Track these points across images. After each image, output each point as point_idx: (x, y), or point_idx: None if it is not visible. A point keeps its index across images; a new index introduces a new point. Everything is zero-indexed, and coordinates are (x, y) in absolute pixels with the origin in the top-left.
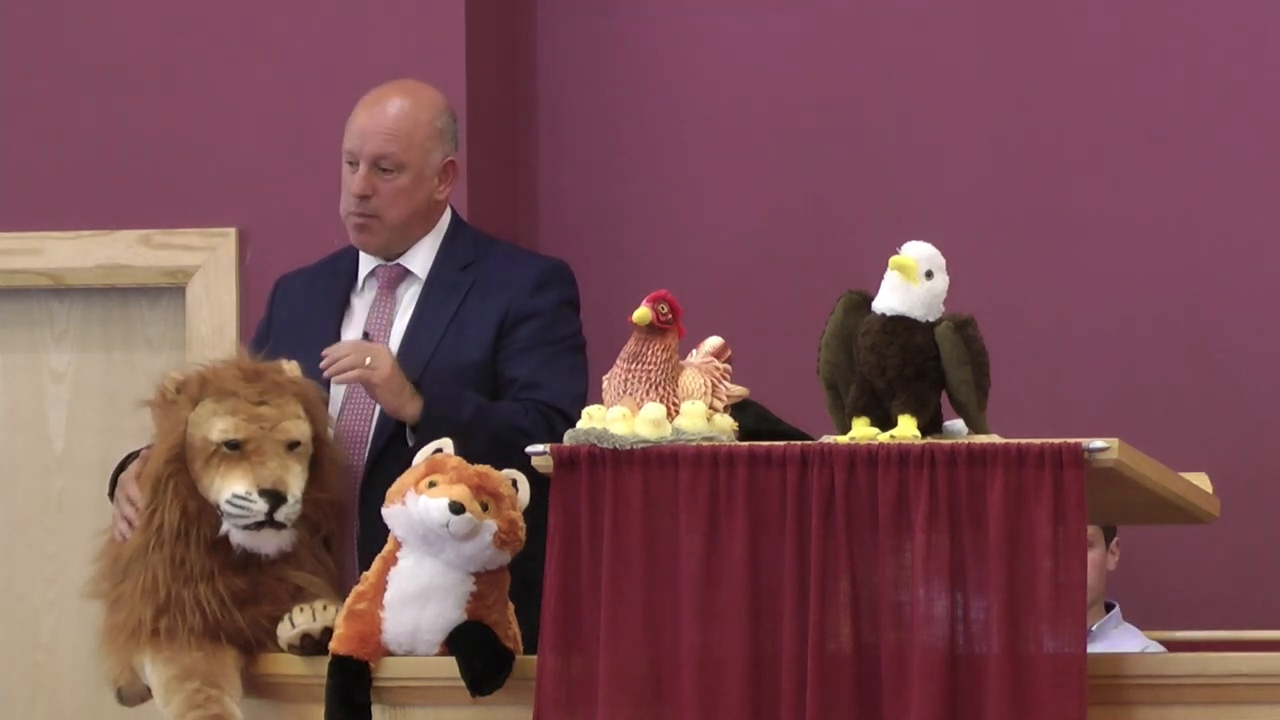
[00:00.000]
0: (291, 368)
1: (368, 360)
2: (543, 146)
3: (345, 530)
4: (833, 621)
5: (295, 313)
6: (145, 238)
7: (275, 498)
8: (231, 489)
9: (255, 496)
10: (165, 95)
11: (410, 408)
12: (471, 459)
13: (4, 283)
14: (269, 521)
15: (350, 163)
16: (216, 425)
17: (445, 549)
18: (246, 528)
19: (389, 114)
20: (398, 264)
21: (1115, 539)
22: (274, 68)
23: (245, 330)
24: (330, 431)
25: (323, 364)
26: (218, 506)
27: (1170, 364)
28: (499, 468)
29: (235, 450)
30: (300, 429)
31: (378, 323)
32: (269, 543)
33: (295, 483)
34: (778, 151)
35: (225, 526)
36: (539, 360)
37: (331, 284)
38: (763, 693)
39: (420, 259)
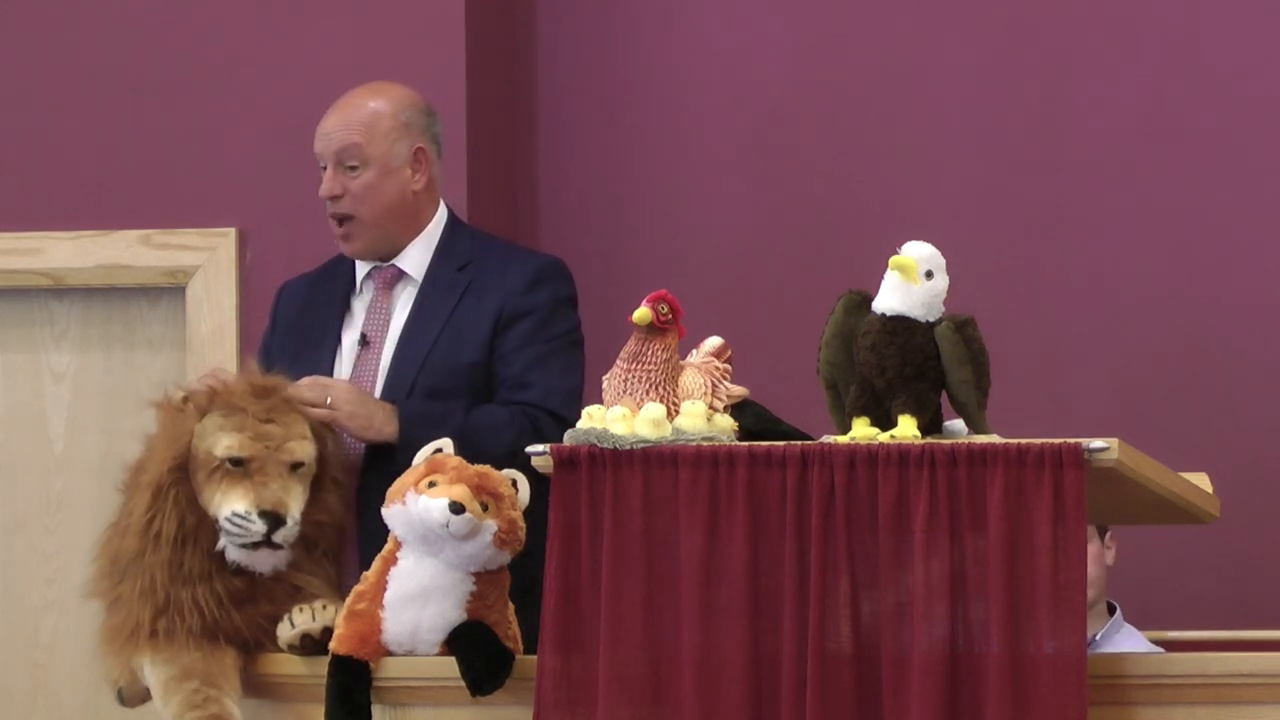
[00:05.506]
0: None
1: (328, 399)
2: (542, 145)
3: (343, 545)
4: (833, 621)
5: (298, 316)
6: (145, 238)
7: (274, 520)
8: (232, 507)
9: (254, 517)
10: (165, 95)
11: (386, 432)
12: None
13: (4, 283)
14: (266, 542)
15: (322, 168)
16: (222, 441)
17: (445, 549)
18: (243, 546)
19: (349, 112)
20: (393, 265)
21: (1109, 533)
22: (274, 68)
23: (245, 330)
24: (331, 445)
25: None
26: (216, 522)
27: (1170, 364)
28: (499, 467)
29: (238, 467)
30: (305, 450)
31: (375, 324)
32: (264, 562)
33: (295, 505)
34: (778, 151)
35: (222, 542)
36: (531, 359)
37: (332, 287)
38: (762, 693)
39: (414, 259)
